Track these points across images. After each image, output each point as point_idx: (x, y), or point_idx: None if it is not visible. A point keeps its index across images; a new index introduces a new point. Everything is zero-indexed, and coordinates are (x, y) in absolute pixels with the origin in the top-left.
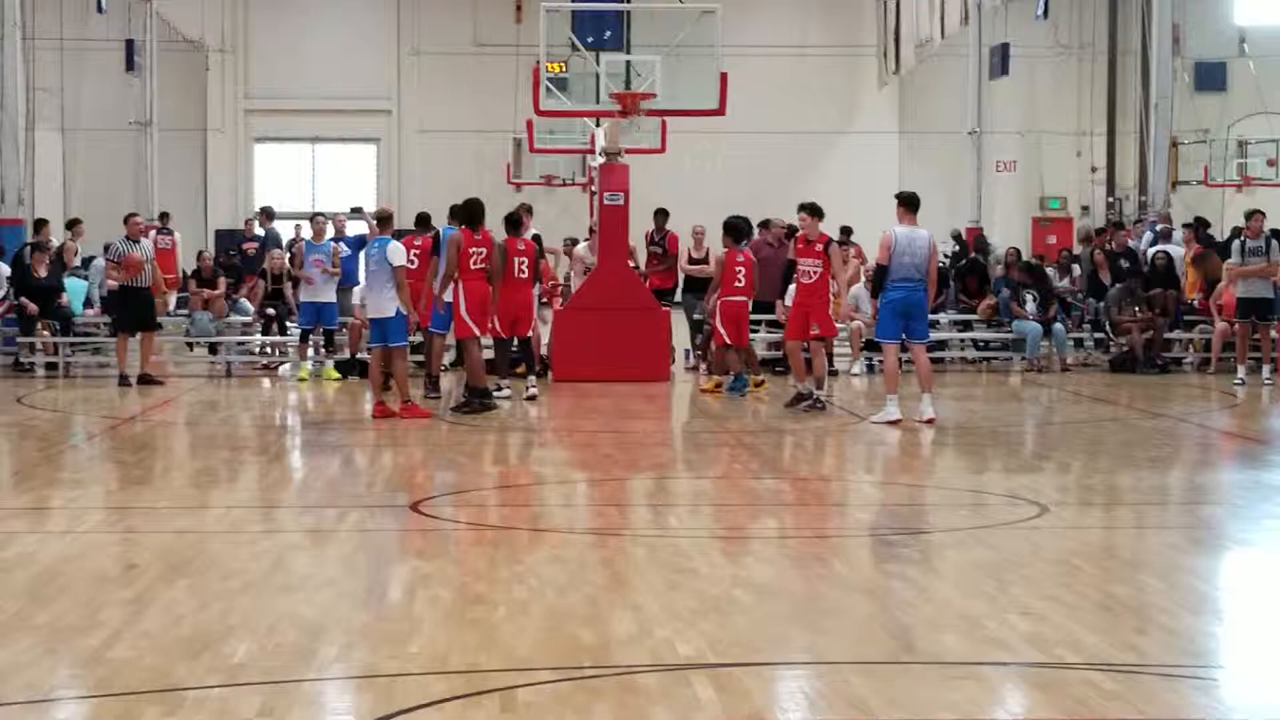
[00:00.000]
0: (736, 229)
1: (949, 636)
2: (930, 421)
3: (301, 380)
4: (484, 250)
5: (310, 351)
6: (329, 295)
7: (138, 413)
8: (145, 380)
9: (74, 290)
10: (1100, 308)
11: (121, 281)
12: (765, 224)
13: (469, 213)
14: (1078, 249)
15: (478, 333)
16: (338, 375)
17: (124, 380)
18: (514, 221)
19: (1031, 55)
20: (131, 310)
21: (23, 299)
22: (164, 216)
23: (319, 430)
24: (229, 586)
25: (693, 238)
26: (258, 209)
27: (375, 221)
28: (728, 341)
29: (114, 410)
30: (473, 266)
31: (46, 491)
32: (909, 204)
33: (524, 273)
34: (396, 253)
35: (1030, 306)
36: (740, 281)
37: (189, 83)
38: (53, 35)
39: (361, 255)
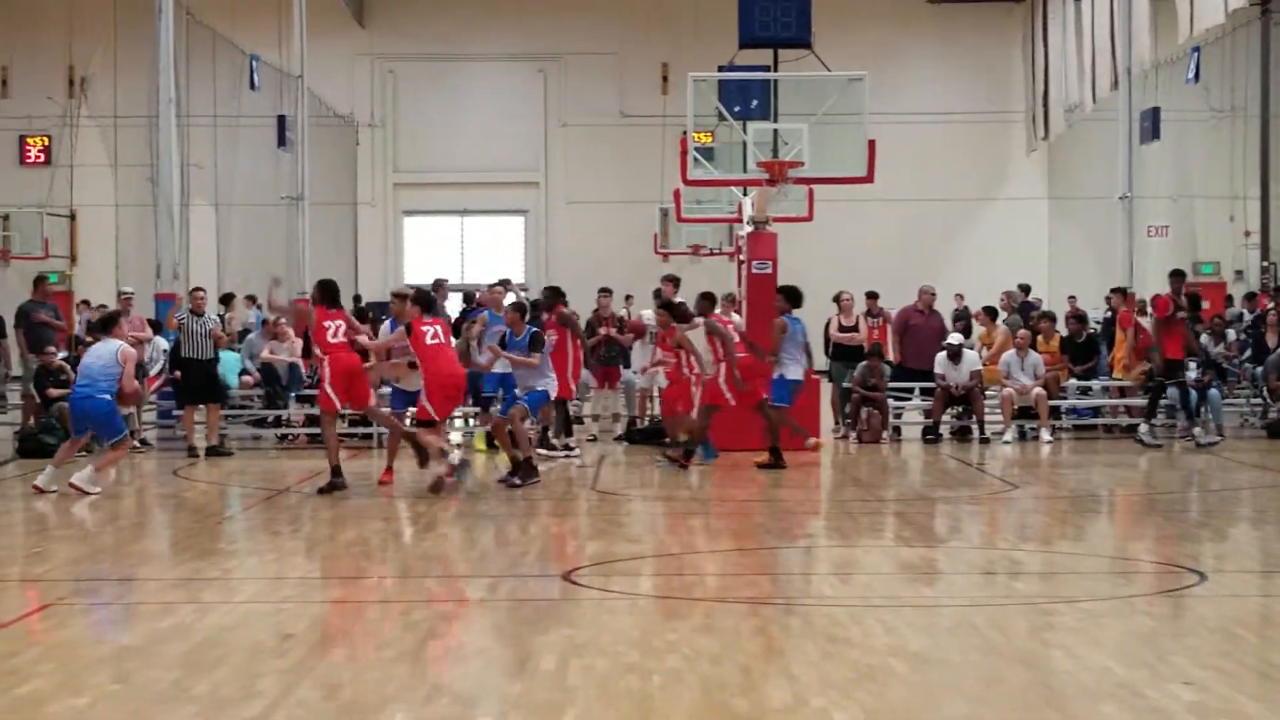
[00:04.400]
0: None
1: (1109, 706)
2: None
3: (480, 451)
4: (342, 324)
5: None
6: (506, 365)
7: (291, 484)
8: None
9: (228, 364)
10: (1259, 373)
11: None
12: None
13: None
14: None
15: (339, 406)
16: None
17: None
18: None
19: (1183, 119)
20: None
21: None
22: (358, 299)
23: (472, 500)
24: (384, 656)
25: (841, 305)
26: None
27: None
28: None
29: (268, 481)
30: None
31: (203, 562)
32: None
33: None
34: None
35: (1192, 373)
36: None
37: (339, 157)
38: (207, 112)
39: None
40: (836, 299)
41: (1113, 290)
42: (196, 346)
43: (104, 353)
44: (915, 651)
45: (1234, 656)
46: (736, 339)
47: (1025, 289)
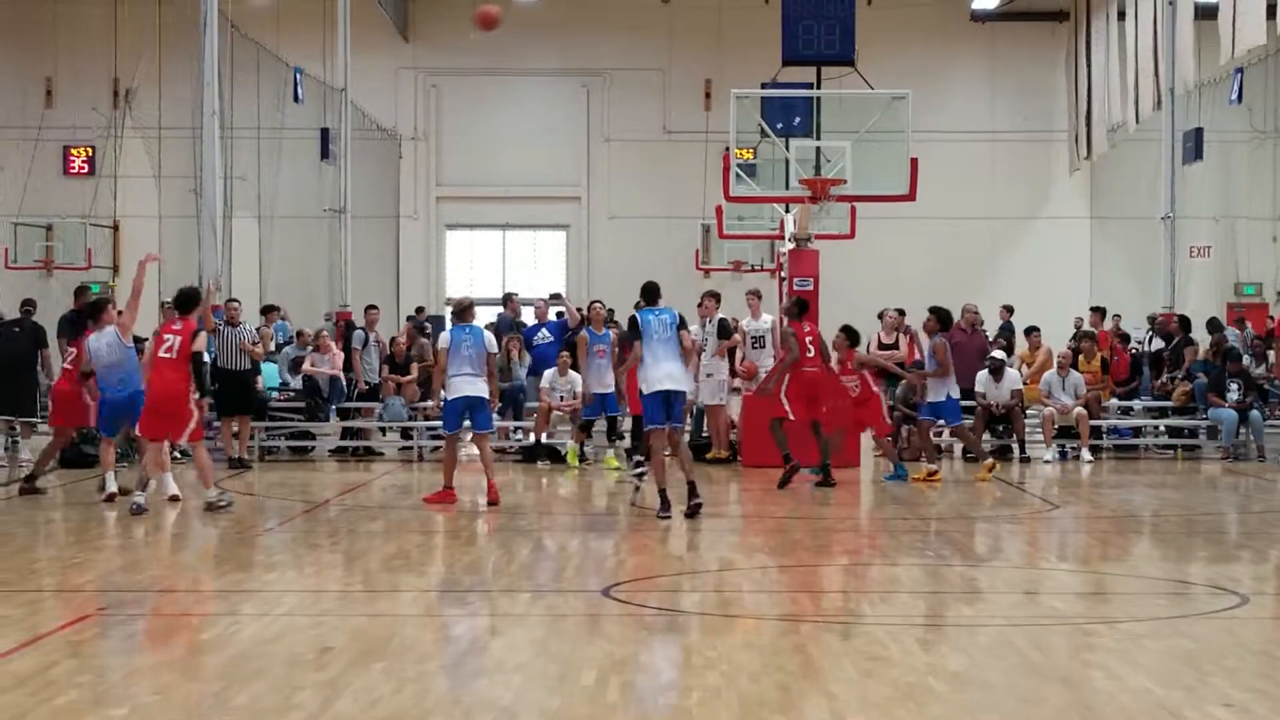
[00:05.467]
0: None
1: None
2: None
3: (614, 468)
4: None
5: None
6: (609, 384)
7: (332, 497)
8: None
9: (269, 375)
10: None
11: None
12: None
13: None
14: None
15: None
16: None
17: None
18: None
19: (1226, 140)
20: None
21: (216, 384)
22: (419, 310)
23: (511, 515)
24: (424, 670)
25: (884, 323)
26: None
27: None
28: None
29: (308, 494)
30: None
31: (242, 575)
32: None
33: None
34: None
35: (1234, 394)
36: None
37: (382, 170)
38: (250, 125)
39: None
40: (881, 316)
41: (1092, 309)
42: (231, 357)
43: (110, 343)
44: (954, 671)
45: (1275, 679)
46: (813, 353)
47: (1009, 310)
